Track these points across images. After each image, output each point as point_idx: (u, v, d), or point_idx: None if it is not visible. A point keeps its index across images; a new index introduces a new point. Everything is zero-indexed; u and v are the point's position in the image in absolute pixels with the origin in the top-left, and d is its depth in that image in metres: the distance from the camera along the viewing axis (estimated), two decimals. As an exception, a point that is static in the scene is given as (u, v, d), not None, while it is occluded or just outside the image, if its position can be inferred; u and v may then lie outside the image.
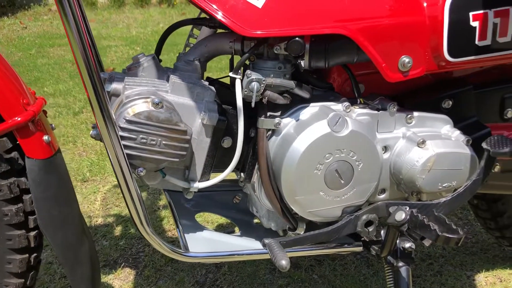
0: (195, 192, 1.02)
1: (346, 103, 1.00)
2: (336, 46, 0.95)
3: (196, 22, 1.07)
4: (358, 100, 1.02)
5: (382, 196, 1.06)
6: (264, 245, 0.92)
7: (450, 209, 0.98)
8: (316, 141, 0.94)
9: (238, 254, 1.00)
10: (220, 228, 1.74)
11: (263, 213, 1.10)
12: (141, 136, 0.88)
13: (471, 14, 0.95)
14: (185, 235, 1.07)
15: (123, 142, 0.87)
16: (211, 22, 1.04)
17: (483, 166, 0.98)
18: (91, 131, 0.95)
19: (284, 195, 0.98)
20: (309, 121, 0.97)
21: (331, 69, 1.05)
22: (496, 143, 0.97)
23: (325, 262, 1.58)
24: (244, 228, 1.21)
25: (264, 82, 0.93)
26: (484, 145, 0.99)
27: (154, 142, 0.89)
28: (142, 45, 4.67)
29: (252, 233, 1.16)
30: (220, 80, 1.08)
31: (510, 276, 1.49)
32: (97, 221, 1.86)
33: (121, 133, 0.87)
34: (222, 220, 1.76)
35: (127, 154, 0.88)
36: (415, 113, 1.04)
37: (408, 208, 0.93)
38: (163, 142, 0.89)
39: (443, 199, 0.98)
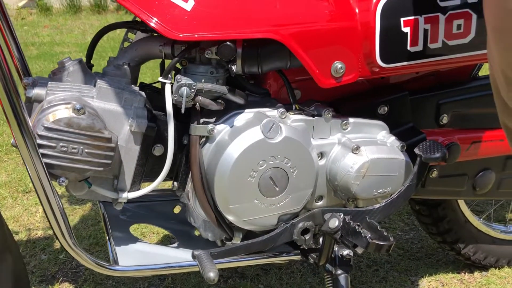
0: (125, 202, 0.97)
1: (282, 109, 0.98)
2: (268, 51, 0.93)
3: (128, 26, 1.03)
4: (294, 106, 1.00)
5: (319, 203, 1.04)
6: (193, 256, 0.89)
7: (385, 215, 0.98)
8: (249, 148, 0.92)
9: (169, 267, 0.97)
10: (165, 239, 1.69)
11: (200, 223, 1.06)
12: (61, 144, 0.83)
13: (402, 20, 0.95)
14: (117, 248, 1.02)
15: (41, 151, 0.82)
16: (143, 25, 1.00)
17: (416, 171, 0.98)
18: (12, 140, 0.89)
19: (218, 204, 0.95)
20: (243, 127, 0.94)
21: (267, 74, 1.03)
22: (428, 149, 0.98)
23: (272, 271, 1.56)
24: (183, 239, 1.17)
25: (194, 87, 0.90)
26: (416, 150, 0.99)
27: (75, 151, 0.84)
28: (97, 52, 4.57)
29: (192, 245, 1.13)
30: (154, 85, 1.05)
31: (451, 280, 1.51)
32: (36, 234, 1.77)
33: (39, 141, 0.82)
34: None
35: (46, 163, 0.83)
36: (351, 119, 1.03)
37: (342, 215, 0.92)
38: (86, 150, 0.85)
39: (377, 205, 0.97)
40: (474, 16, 0.98)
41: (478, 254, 1.47)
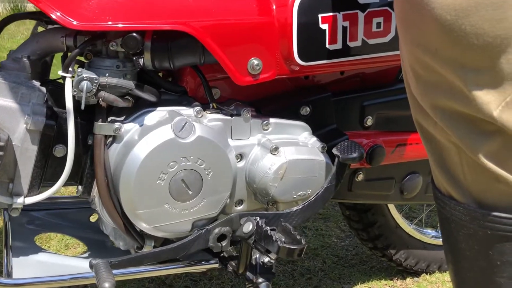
0: (21, 208, 0.88)
1: (198, 108, 0.93)
2: (179, 45, 0.88)
3: (30, 17, 0.96)
4: (211, 105, 0.95)
5: (239, 208, 0.99)
6: (91, 266, 0.81)
7: (303, 219, 0.94)
8: (157, 148, 0.86)
9: (68, 279, 0.88)
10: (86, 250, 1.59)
11: (110, 230, 0.98)
12: None
13: (320, 16, 0.92)
14: (15, 259, 0.93)
15: None
16: (46, 16, 0.92)
17: (334, 172, 0.95)
18: None
19: (125, 209, 0.88)
20: (152, 126, 0.88)
21: (185, 72, 0.98)
22: (346, 149, 0.95)
23: (201, 282, 1.49)
24: (96, 249, 1.09)
25: (96, 81, 0.83)
26: (334, 151, 0.96)
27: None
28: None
29: (104, 255, 1.04)
30: (59, 81, 0.97)
31: (384, 286, 1.49)
32: None
33: None
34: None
35: None
36: (272, 120, 0.99)
37: (257, 219, 0.87)
38: (-33, 149, 0.76)
39: (295, 208, 0.93)
40: (394, 15, 0.96)
41: (409, 259, 1.46)
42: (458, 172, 0.79)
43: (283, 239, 0.81)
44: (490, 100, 0.68)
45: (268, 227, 0.83)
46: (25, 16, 0.96)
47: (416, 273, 1.51)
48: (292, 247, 0.78)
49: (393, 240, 1.41)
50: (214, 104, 0.95)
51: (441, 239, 1.56)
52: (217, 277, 1.51)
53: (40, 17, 0.94)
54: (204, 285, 1.47)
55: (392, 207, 1.40)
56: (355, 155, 0.93)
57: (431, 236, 1.51)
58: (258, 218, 0.88)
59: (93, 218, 1.18)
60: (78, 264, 0.96)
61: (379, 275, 1.53)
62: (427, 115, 0.76)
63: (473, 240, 0.81)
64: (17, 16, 0.96)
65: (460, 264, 0.86)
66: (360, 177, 1.15)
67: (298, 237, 0.81)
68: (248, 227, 0.87)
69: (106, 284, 0.74)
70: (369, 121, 1.12)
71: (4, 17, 0.96)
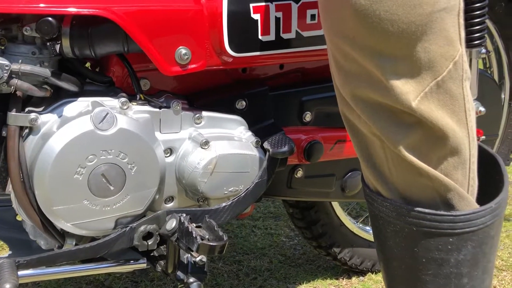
0: None
1: (123, 99, 0.88)
2: (100, 31, 0.83)
3: None
4: (138, 96, 0.91)
5: (170, 205, 0.95)
6: (-5, 265, 0.76)
7: (233, 215, 0.91)
8: (74, 140, 0.81)
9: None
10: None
11: (29, 228, 0.93)
12: None
13: (251, 5, 0.89)
14: None
15: None
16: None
17: (265, 167, 0.92)
18: None
19: (40, 205, 0.83)
20: (71, 117, 0.83)
21: (112, 61, 0.93)
22: (277, 143, 0.92)
23: (143, 283, 1.43)
24: (19, 249, 1.02)
25: (7, 68, 0.78)
26: (265, 145, 0.93)
27: None
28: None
29: (27, 255, 0.98)
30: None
31: (329, 286, 1.47)
32: None
33: None
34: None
35: None
36: (205, 113, 0.95)
37: (181, 216, 0.83)
38: None
39: (223, 204, 0.89)
40: (328, 7, 0.94)
41: (354, 258, 1.44)
42: (384, 167, 0.77)
43: (206, 236, 0.78)
44: (408, 90, 0.67)
45: (190, 224, 0.79)
46: None
47: (361, 272, 1.50)
48: (212, 244, 0.75)
49: (337, 238, 1.39)
50: (141, 95, 0.91)
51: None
52: (159, 278, 1.46)
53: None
54: (145, 286, 1.42)
55: (336, 205, 1.39)
56: (285, 149, 0.90)
57: (377, 234, 1.50)
58: (183, 215, 0.84)
59: (19, 217, 1.11)
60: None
61: (325, 275, 1.52)
62: (350, 107, 0.74)
63: (400, 237, 0.79)
64: None
65: (389, 262, 0.84)
66: (300, 173, 1.13)
67: (220, 233, 0.77)
68: (171, 224, 0.83)
69: (7, 285, 0.69)
70: (308, 117, 1.09)
71: None
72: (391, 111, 0.69)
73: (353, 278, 1.50)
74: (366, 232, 1.47)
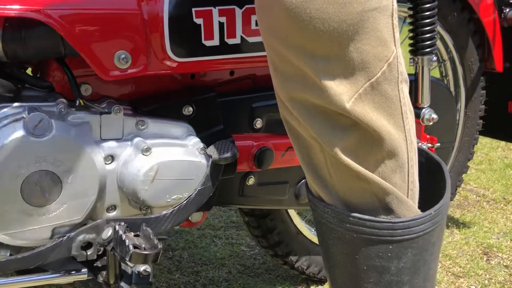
0: None
1: (61, 105, 0.86)
2: (33, 34, 0.81)
3: None
4: (77, 102, 0.88)
5: (112, 214, 0.92)
6: None
7: (175, 223, 0.88)
8: (6, 147, 0.78)
9: None
10: None
11: (-36, 239, 0.88)
12: None
13: (193, 10, 0.88)
14: None
15: None
16: None
17: (208, 174, 0.90)
18: None
19: (-30, 214, 0.79)
20: (4, 123, 0.80)
21: (51, 65, 0.90)
22: (219, 149, 0.90)
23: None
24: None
25: None
26: (208, 151, 0.92)
27: None
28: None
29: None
30: None
31: (287, 295, 1.46)
32: None
33: None
34: None
35: None
36: (148, 119, 0.93)
37: (115, 225, 0.81)
38: None
39: (164, 212, 0.87)
40: (274, 13, 0.94)
41: (312, 267, 1.43)
42: (324, 171, 0.76)
43: (143, 245, 0.75)
44: (342, 92, 0.66)
45: (126, 233, 0.77)
46: None
47: (320, 281, 1.49)
48: (144, 252, 0.73)
49: (294, 247, 1.38)
50: (81, 101, 0.88)
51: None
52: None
53: None
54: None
55: (293, 214, 1.37)
56: (227, 154, 0.89)
57: (336, 242, 1.49)
58: (120, 223, 0.81)
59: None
60: None
61: (283, 284, 1.50)
62: (289, 110, 0.73)
63: (341, 243, 0.78)
64: None
65: (333, 269, 0.83)
66: (251, 181, 1.11)
67: (155, 242, 0.75)
68: (107, 233, 0.80)
69: None
70: (259, 124, 1.08)
71: None
72: (326, 113, 0.68)
73: (312, 287, 1.49)
74: (325, 240, 1.46)
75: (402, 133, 0.73)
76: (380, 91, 0.69)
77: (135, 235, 0.79)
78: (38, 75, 0.95)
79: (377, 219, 0.74)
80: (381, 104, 0.69)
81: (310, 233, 1.42)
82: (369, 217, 0.73)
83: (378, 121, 0.69)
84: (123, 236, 0.75)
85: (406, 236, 0.75)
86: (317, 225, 0.82)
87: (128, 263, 0.76)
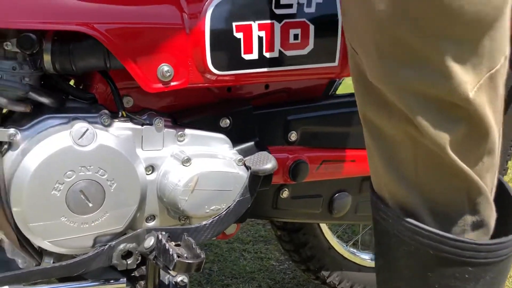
0: None
1: (105, 116, 0.88)
2: (81, 47, 0.83)
3: None
4: (120, 113, 0.90)
5: (151, 224, 0.93)
6: (-36, 282, 0.74)
7: (215, 233, 0.89)
8: (53, 156, 0.80)
9: None
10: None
11: (7, 247, 0.91)
12: None
13: (234, 24, 0.90)
14: None
15: None
16: None
17: (247, 185, 0.91)
18: None
19: (17, 222, 0.81)
20: (51, 133, 0.82)
21: (95, 78, 0.93)
22: (258, 160, 0.91)
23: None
24: (1, 268, 1.00)
25: (-14, 83, 0.78)
26: (246, 162, 0.93)
27: None
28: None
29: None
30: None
31: (318, 311, 1.45)
32: None
33: None
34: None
35: None
36: (188, 131, 0.95)
37: (158, 234, 0.82)
38: None
39: (204, 223, 0.88)
40: (312, 27, 0.95)
41: (344, 282, 1.42)
42: (410, 169, 0.72)
43: (185, 254, 0.76)
44: (467, 80, 0.63)
45: (167, 242, 0.77)
46: None
47: (351, 297, 1.48)
48: (188, 261, 0.73)
49: (326, 262, 1.37)
50: (123, 112, 0.90)
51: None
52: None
53: None
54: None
55: (325, 228, 1.37)
56: (267, 166, 0.90)
57: (367, 258, 1.48)
58: (162, 233, 0.83)
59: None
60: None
61: (314, 299, 1.49)
62: (379, 107, 0.70)
63: (413, 258, 0.73)
64: None
65: (394, 283, 0.80)
66: (285, 194, 1.12)
67: (198, 251, 0.76)
68: (149, 242, 0.81)
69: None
70: (293, 136, 1.09)
71: None
72: (440, 104, 0.65)
73: (343, 303, 1.47)
74: (356, 256, 1.45)
75: (498, 132, 0.70)
76: (494, 84, 0.66)
77: (176, 245, 0.80)
78: (80, 87, 0.97)
79: (462, 239, 0.70)
80: (492, 98, 0.67)
81: (341, 248, 1.41)
82: (453, 236, 0.70)
83: (489, 116, 0.67)
84: (167, 245, 0.76)
85: (489, 260, 0.72)
86: (384, 235, 0.77)
87: (171, 272, 0.77)
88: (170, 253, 0.75)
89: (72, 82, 1.00)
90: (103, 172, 0.83)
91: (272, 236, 1.86)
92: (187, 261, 0.73)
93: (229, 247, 1.75)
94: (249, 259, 1.69)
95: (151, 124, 0.91)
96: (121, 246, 0.87)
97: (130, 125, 0.90)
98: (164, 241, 0.78)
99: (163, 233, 0.82)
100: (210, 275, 1.58)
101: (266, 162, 0.91)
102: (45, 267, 0.81)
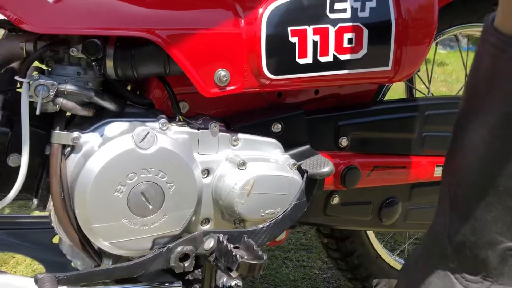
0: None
1: (163, 120, 0.89)
2: (142, 53, 0.85)
3: (-6, 25, 0.93)
4: (177, 118, 0.92)
5: (206, 227, 0.94)
6: (36, 280, 0.76)
7: (271, 237, 0.89)
8: (116, 158, 0.82)
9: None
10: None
11: (67, 248, 0.93)
12: None
13: (289, 29, 0.90)
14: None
15: None
16: (10, 24, 0.90)
17: (303, 189, 0.91)
18: None
19: (80, 223, 0.83)
20: (113, 136, 0.84)
21: (152, 84, 0.95)
22: (315, 164, 0.91)
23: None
24: (56, 271, 1.02)
25: (54, 87, 0.80)
26: (303, 166, 0.92)
27: None
28: None
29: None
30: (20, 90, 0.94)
31: (365, 321, 1.42)
32: None
33: None
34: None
35: None
36: (241, 135, 0.96)
37: (219, 236, 0.82)
38: None
39: (261, 226, 0.88)
40: (366, 31, 0.95)
41: (390, 292, 1.39)
42: None
43: (245, 256, 0.76)
44: None
45: (229, 244, 0.78)
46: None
47: (398, 307, 1.44)
48: (252, 262, 0.73)
49: (374, 270, 1.35)
50: (180, 117, 0.92)
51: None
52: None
53: (4, 25, 0.92)
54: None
55: (372, 237, 1.35)
56: (324, 169, 0.89)
57: (414, 268, 1.45)
58: (221, 235, 0.83)
59: (55, 240, 1.12)
60: (27, 284, 0.89)
61: (360, 309, 1.46)
62: None
63: None
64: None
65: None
66: (336, 200, 1.11)
67: (260, 253, 0.76)
68: (209, 243, 0.82)
69: (47, 299, 0.69)
70: (344, 142, 1.08)
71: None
72: None
73: (390, 313, 1.44)
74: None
75: None
76: None
77: (234, 247, 0.80)
78: (137, 93, 1.00)
79: None
80: None
81: (389, 257, 1.39)
82: None
83: None
84: (229, 247, 0.77)
85: None
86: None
87: (232, 273, 0.77)
88: (233, 254, 0.75)
89: (128, 87, 1.02)
90: (163, 174, 0.85)
91: (313, 244, 1.84)
92: (251, 262, 0.73)
93: (271, 255, 1.74)
94: (291, 267, 1.68)
95: (206, 129, 0.92)
96: (179, 249, 0.87)
97: (187, 129, 0.91)
98: (225, 242, 0.78)
99: (222, 235, 0.82)
100: (254, 283, 1.58)
101: (324, 165, 0.90)
102: (107, 267, 0.83)
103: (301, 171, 0.95)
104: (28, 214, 1.64)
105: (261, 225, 0.88)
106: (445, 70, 4.96)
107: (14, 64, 0.94)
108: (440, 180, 0.89)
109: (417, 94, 1.43)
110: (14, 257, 1.59)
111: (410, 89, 1.44)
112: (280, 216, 0.89)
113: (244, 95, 0.98)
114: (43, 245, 1.11)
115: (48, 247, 1.11)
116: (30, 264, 1.55)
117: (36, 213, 1.76)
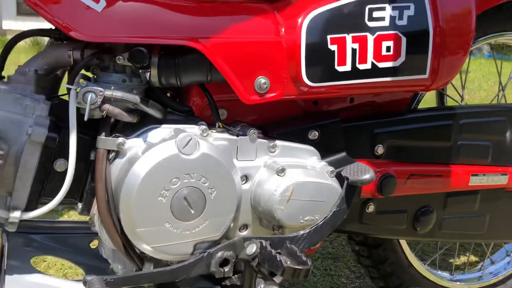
0: (18, 224, 0.85)
1: (203, 127, 0.91)
2: (186, 61, 0.87)
3: (41, 33, 0.96)
4: (217, 124, 0.93)
5: (244, 233, 0.95)
6: (84, 282, 0.77)
7: (311, 243, 0.89)
8: (160, 163, 0.83)
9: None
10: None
11: (108, 252, 0.95)
12: None
13: (329, 37, 0.91)
14: (8, 277, 0.89)
15: None
16: (57, 32, 0.93)
17: (343, 196, 0.91)
18: None
19: (124, 227, 0.85)
20: (156, 142, 0.86)
21: (192, 92, 0.97)
22: (356, 171, 0.91)
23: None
24: (95, 274, 1.04)
25: (101, 93, 0.82)
26: (343, 173, 0.93)
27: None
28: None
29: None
30: (65, 97, 0.96)
31: (397, 331, 1.40)
32: None
33: None
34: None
35: None
36: (279, 142, 0.96)
37: (262, 242, 0.83)
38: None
39: (301, 232, 0.89)
40: (404, 39, 0.96)
41: (422, 301, 1.38)
42: None
43: (288, 261, 0.77)
44: None
45: (273, 249, 0.78)
46: (37, 32, 0.97)
47: (430, 317, 1.43)
48: (298, 267, 0.74)
49: (406, 279, 1.34)
50: (220, 124, 0.93)
51: (455, 283, 1.48)
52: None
53: (50, 33, 0.95)
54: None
55: (404, 245, 1.34)
56: (365, 176, 0.89)
57: (445, 278, 1.43)
58: (263, 241, 0.84)
59: (93, 245, 1.14)
60: (71, 286, 0.91)
61: (391, 319, 1.45)
62: None
63: None
64: (27, 33, 0.97)
65: None
66: (371, 208, 1.11)
67: (304, 258, 0.76)
68: (252, 248, 0.83)
69: (99, 301, 0.70)
70: (380, 150, 1.08)
71: (15, 35, 0.97)
72: None
73: (422, 324, 1.42)
74: (434, 275, 1.41)
75: None
76: None
77: (276, 252, 0.81)
78: (177, 100, 1.01)
79: None
80: None
81: (421, 267, 1.37)
82: None
83: None
84: (273, 252, 0.77)
85: None
86: None
87: (276, 279, 0.78)
88: (278, 259, 0.76)
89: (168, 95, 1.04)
90: (205, 180, 0.86)
91: (340, 253, 1.83)
92: (297, 267, 0.74)
93: (299, 264, 1.73)
94: (319, 276, 1.67)
95: (245, 135, 0.94)
96: (219, 254, 0.88)
97: (226, 136, 0.92)
98: (269, 248, 0.79)
99: (264, 240, 0.83)
100: (283, 291, 1.57)
101: (364, 172, 0.91)
102: (152, 271, 0.84)
103: (339, 178, 0.95)
104: (67, 219, 1.68)
105: (301, 232, 0.88)
106: (467, 78, 4.92)
107: (58, 72, 0.97)
108: (475, 189, 0.88)
109: (449, 101, 1.42)
110: (45, 261, 1.62)
111: (441, 96, 1.43)
112: (321, 222, 0.89)
113: (281, 102, 0.99)
114: (81, 249, 1.12)
115: (86, 251, 1.12)
116: (61, 268, 1.57)
117: (75, 218, 1.78)
